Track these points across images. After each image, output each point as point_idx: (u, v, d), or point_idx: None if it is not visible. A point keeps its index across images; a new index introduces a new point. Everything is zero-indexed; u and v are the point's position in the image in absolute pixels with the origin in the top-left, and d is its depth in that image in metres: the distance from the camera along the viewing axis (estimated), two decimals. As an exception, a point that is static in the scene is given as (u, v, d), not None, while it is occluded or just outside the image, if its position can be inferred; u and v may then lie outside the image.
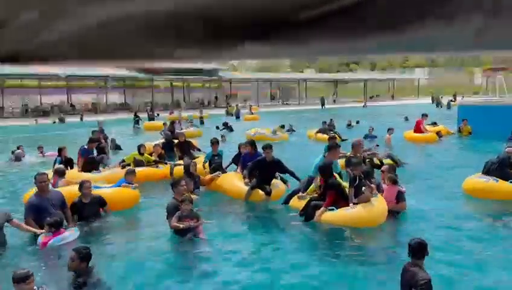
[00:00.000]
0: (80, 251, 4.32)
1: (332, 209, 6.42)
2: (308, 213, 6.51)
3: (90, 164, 9.65)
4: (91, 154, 10.18)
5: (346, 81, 71.93)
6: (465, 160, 12.04)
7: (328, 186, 6.53)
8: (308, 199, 6.88)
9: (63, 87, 45.37)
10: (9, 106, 40.86)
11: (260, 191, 7.82)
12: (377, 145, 10.72)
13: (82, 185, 6.74)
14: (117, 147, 14.72)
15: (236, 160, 9.65)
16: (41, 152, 13.95)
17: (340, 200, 6.49)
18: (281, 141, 16.28)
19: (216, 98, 52.56)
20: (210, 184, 8.76)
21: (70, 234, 5.78)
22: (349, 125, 21.14)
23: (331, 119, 19.49)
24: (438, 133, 16.43)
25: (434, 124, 18.51)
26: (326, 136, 15.83)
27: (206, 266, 5.11)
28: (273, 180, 8.19)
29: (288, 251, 5.59)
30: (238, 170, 9.04)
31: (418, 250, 3.65)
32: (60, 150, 10.19)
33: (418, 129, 16.18)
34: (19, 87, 39.84)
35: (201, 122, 26.13)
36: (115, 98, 49.42)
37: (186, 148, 11.03)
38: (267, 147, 8.19)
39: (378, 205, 6.42)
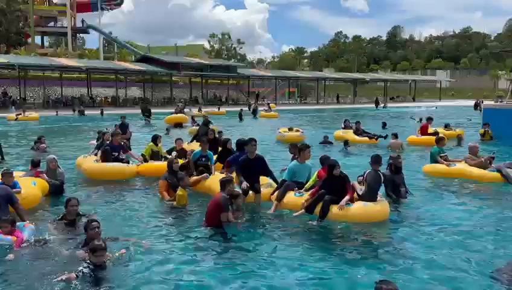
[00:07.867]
0: None
1: (349, 205, 6.47)
2: (323, 209, 6.38)
3: (106, 156, 9.57)
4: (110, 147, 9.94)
5: (365, 81, 70.77)
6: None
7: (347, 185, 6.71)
8: (317, 195, 6.56)
9: (83, 79, 46.10)
10: (31, 97, 41.70)
11: (250, 192, 7.19)
12: (494, 153, 10.07)
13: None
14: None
15: (222, 158, 8.93)
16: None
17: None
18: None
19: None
20: (196, 185, 8.04)
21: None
22: (384, 126, 20.39)
23: (346, 120, 18.52)
24: (458, 136, 15.99)
25: (446, 126, 17.78)
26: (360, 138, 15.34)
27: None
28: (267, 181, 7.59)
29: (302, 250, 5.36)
30: (226, 170, 8.31)
31: None
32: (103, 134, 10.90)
33: (424, 133, 15.73)
34: (40, 79, 40.44)
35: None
36: (135, 92, 49.98)
37: (215, 146, 10.01)
38: (251, 140, 7.50)
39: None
